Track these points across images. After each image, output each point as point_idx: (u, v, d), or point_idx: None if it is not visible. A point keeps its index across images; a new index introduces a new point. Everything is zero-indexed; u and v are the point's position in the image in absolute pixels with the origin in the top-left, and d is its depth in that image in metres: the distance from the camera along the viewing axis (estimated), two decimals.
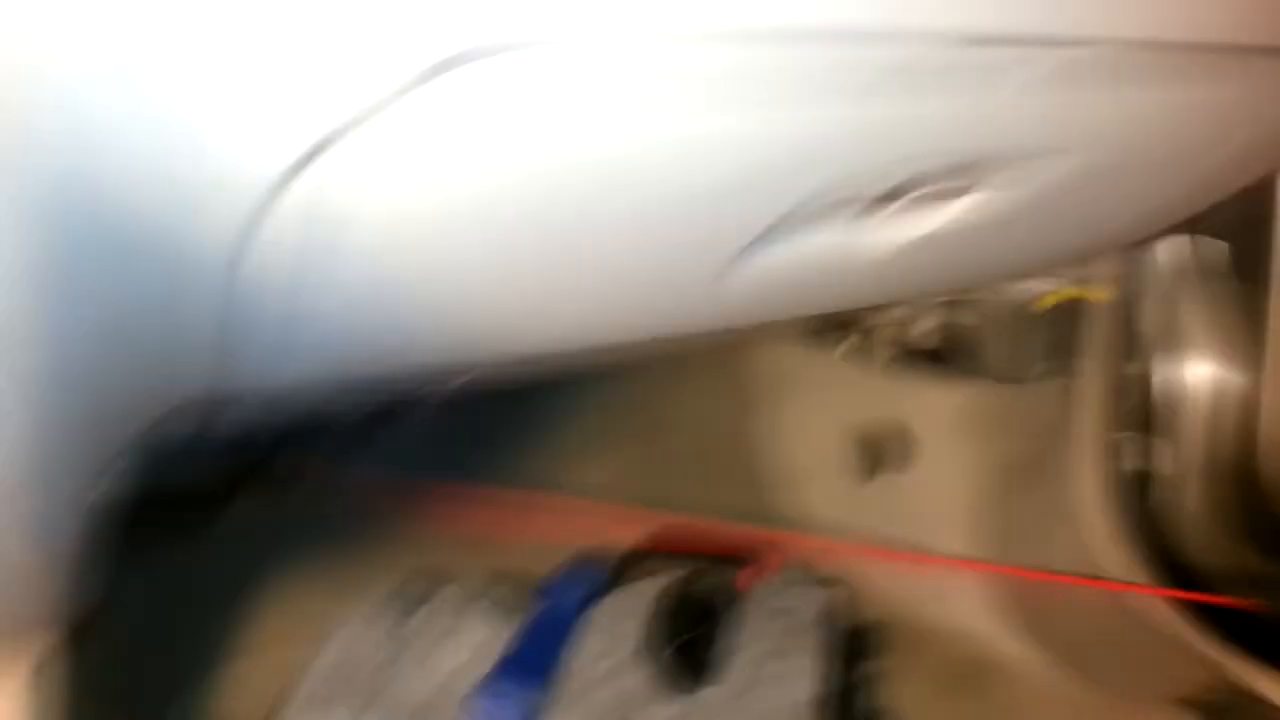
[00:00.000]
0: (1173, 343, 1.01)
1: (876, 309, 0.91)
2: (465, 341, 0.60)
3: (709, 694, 0.81)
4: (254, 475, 0.75)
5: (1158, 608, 0.95)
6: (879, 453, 0.99)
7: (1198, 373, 1.02)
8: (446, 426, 1.07)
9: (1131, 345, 0.99)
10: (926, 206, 0.54)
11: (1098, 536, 0.94)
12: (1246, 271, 1.01)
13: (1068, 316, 0.97)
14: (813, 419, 1.03)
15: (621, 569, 0.94)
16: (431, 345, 0.59)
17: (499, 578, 0.88)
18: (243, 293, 0.43)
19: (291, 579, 0.90)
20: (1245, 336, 0.99)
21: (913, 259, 0.58)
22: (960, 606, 0.96)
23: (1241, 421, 0.99)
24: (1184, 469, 1.03)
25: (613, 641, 0.84)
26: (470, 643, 0.81)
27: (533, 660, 0.79)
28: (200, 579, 0.87)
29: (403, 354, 0.58)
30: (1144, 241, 0.99)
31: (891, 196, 0.53)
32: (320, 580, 0.91)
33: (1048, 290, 0.92)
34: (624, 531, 0.97)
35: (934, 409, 0.95)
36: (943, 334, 0.91)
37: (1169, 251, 1.01)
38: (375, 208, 0.43)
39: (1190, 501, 1.04)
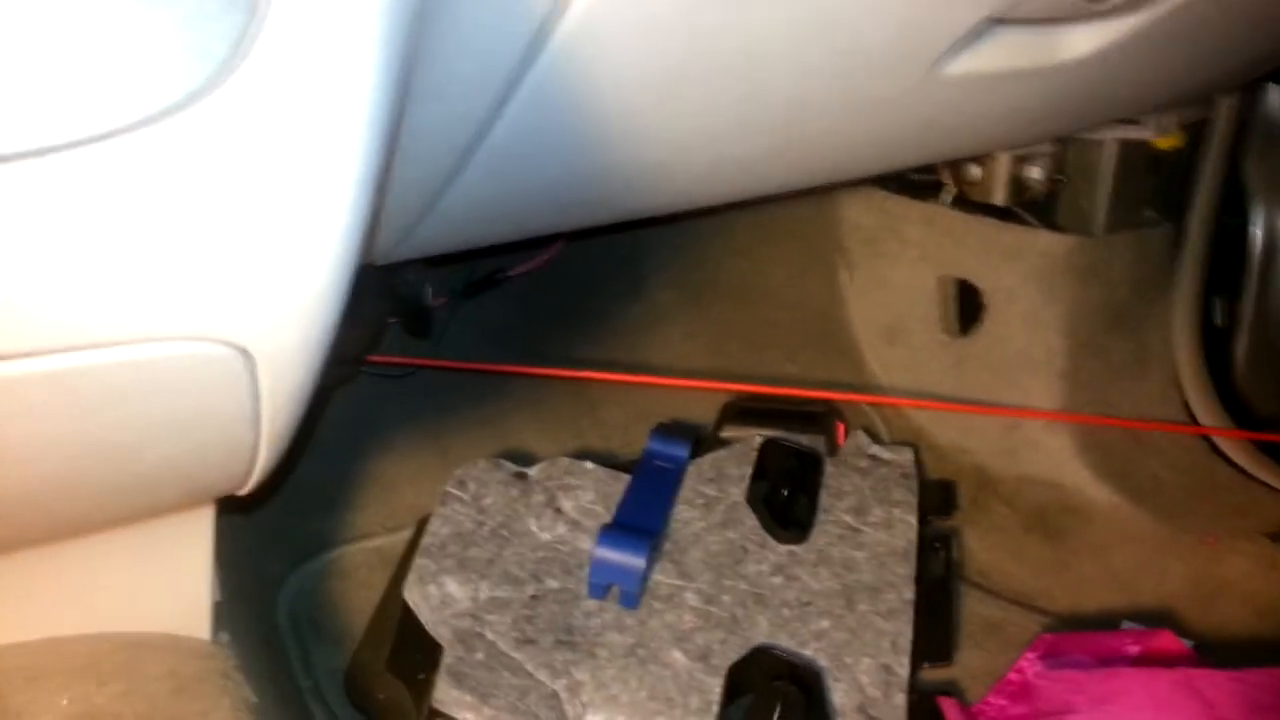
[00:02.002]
0: (1271, 193, 1.01)
1: (980, 161, 0.91)
2: (682, 186, 0.62)
3: (814, 540, 0.85)
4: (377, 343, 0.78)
5: (1244, 451, 0.97)
6: (973, 306, 1.00)
7: None
8: (529, 307, 1.09)
9: (1231, 196, 0.99)
10: (1113, 18, 0.58)
11: (1191, 385, 0.96)
12: None
13: (1168, 167, 0.96)
14: (907, 273, 1.03)
15: (715, 432, 0.97)
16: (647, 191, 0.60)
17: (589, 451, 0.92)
18: (511, 117, 0.44)
19: (384, 462, 0.93)
20: None
21: (1094, 72, 0.61)
22: (1047, 457, 0.98)
23: None
24: (1272, 321, 1.03)
25: (719, 495, 0.88)
26: (583, 500, 0.86)
27: (648, 510, 0.83)
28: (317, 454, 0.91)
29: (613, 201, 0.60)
30: (1257, 81, 0.98)
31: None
32: (410, 462, 0.94)
33: (1149, 138, 0.92)
34: (712, 400, 1.00)
35: (1029, 259, 0.96)
36: (1044, 184, 0.91)
37: (1264, 99, 0.99)
38: (621, 50, 0.44)
39: (1274, 354, 1.05)
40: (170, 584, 0.59)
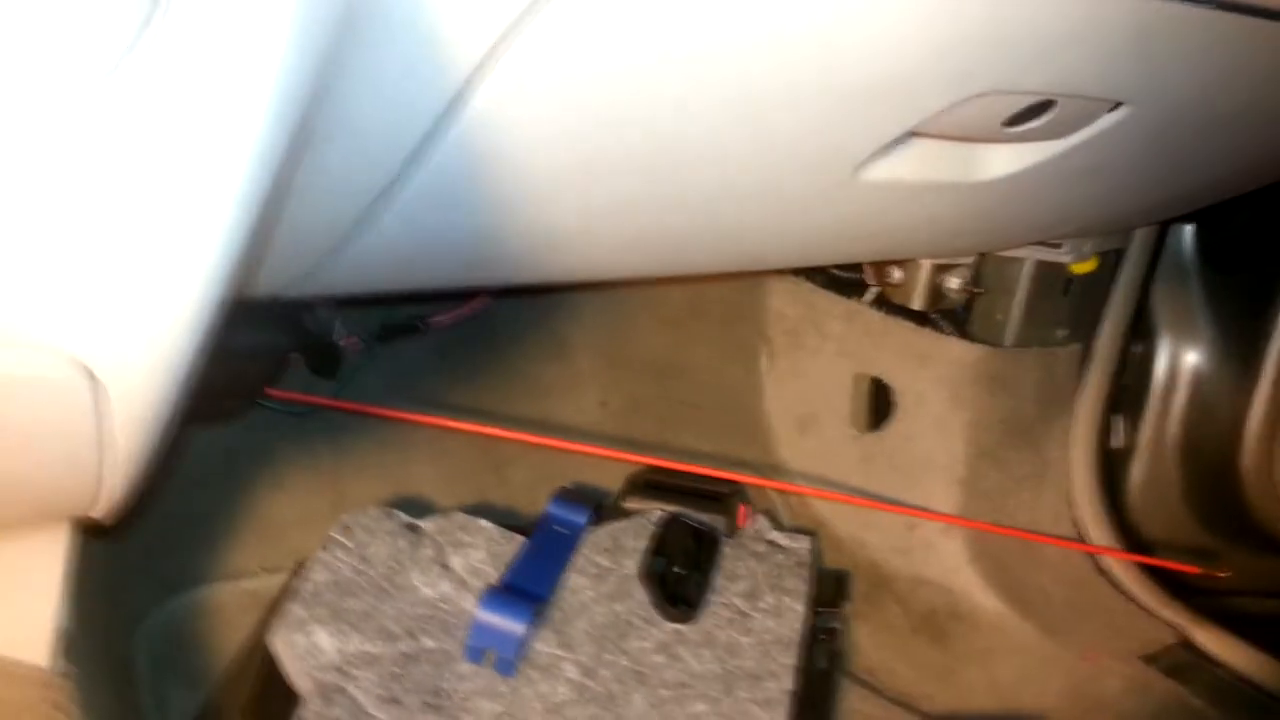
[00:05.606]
0: (1177, 327, 1.05)
1: (901, 265, 0.93)
2: (607, 260, 0.62)
3: (702, 621, 0.84)
4: (279, 375, 0.75)
5: (1129, 573, 0.99)
6: (884, 405, 1.01)
7: (1194, 359, 1.06)
8: (446, 357, 1.08)
9: (1139, 324, 1.03)
10: (1029, 144, 0.60)
11: (1084, 502, 0.98)
12: (1225, 263, 1.05)
13: (1082, 289, 0.99)
14: (825, 366, 1.05)
15: (618, 502, 0.97)
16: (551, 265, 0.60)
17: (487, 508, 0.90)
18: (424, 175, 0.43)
19: (273, 501, 0.90)
20: (1246, 331, 1.02)
21: (1011, 193, 0.62)
22: (941, 560, 0.99)
23: (1230, 412, 1.03)
24: (1168, 449, 1.07)
25: (612, 566, 0.87)
26: (473, 559, 0.84)
27: (538, 576, 0.82)
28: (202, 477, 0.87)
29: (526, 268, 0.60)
30: (1171, 220, 1.02)
31: (1013, 123, 0.57)
32: (300, 504, 0.91)
33: (1066, 262, 0.95)
34: (619, 469, 0.99)
35: (941, 365, 0.97)
36: (961, 294, 0.93)
37: (1178, 237, 1.04)
38: (543, 117, 0.44)
39: (1168, 481, 1.08)
40: (9, 605, 0.56)
